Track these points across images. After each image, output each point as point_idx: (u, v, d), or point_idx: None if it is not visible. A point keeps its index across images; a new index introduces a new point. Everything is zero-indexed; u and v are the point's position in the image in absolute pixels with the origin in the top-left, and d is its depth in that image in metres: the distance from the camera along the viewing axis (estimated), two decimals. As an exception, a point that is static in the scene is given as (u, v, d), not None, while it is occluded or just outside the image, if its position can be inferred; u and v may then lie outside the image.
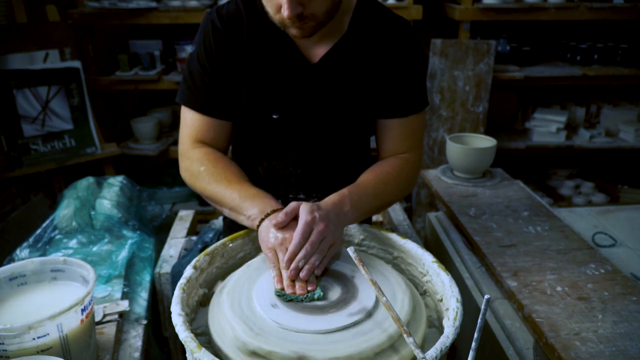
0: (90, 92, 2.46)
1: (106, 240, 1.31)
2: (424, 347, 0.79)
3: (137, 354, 0.99)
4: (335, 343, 0.73)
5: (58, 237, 1.33)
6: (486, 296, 0.64)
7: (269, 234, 0.90)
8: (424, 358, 0.66)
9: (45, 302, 0.88)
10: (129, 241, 1.29)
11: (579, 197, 2.89)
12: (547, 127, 2.75)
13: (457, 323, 0.75)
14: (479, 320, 0.65)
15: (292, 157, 1.13)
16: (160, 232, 1.57)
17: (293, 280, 0.85)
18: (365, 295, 0.82)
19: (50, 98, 2.32)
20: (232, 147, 1.22)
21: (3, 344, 0.76)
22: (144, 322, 1.09)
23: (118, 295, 1.13)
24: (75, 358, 0.84)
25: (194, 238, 1.49)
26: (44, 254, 1.25)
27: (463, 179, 1.58)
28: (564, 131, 2.76)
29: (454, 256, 1.34)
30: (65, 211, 1.38)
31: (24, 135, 2.27)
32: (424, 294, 0.94)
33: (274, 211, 0.93)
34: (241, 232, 1.01)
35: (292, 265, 0.85)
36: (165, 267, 1.33)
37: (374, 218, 1.66)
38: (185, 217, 1.66)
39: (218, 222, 1.53)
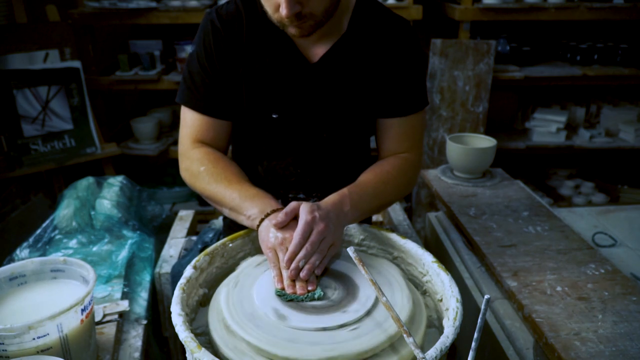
0: (90, 92, 2.46)
1: (106, 240, 1.31)
2: (423, 347, 0.79)
3: (137, 354, 0.99)
4: (336, 343, 0.73)
5: (58, 237, 1.33)
6: (486, 296, 0.64)
7: (269, 234, 0.90)
8: (423, 358, 0.66)
9: (45, 302, 0.88)
10: (129, 241, 1.29)
11: (579, 197, 2.89)
12: (547, 127, 2.75)
13: (457, 323, 0.75)
14: (479, 320, 0.65)
15: (292, 157, 1.13)
16: (160, 232, 1.57)
17: (293, 280, 0.85)
18: (365, 295, 0.82)
19: (50, 98, 2.32)
20: (232, 147, 1.22)
21: (3, 344, 0.76)
22: (144, 322, 1.09)
23: (118, 295, 1.13)
24: (75, 358, 0.84)
25: (194, 238, 1.49)
26: (44, 254, 1.25)
27: (463, 179, 1.58)
28: (564, 131, 2.76)
29: (454, 256, 1.34)
30: (65, 211, 1.38)
31: (24, 135, 2.27)
32: (424, 294, 0.94)
33: (273, 211, 0.93)
34: (241, 232, 1.01)
35: (293, 265, 0.85)
36: (165, 267, 1.33)
37: (374, 218, 1.66)
38: (185, 217, 1.66)
39: (218, 222, 1.53)
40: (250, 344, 0.73)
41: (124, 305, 1.06)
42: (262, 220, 0.93)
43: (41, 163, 2.32)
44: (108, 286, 1.16)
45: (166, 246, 1.45)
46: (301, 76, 1.07)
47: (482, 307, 0.64)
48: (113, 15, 2.47)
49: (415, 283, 0.96)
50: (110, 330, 1.01)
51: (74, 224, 1.36)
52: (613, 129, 2.86)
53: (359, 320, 0.77)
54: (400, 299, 0.82)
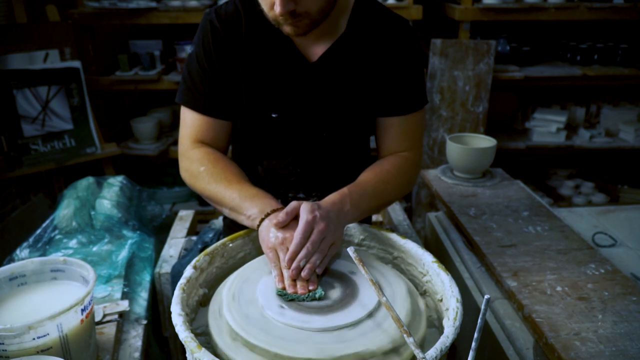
0: (90, 92, 2.46)
1: (106, 240, 1.31)
2: (424, 347, 0.79)
3: (137, 354, 0.99)
4: (336, 343, 0.73)
5: (58, 237, 1.33)
6: (486, 296, 0.64)
7: (269, 234, 0.90)
8: (424, 358, 0.66)
9: (45, 302, 0.88)
10: (129, 241, 1.29)
11: (579, 197, 2.89)
12: (547, 127, 2.75)
13: (457, 323, 0.75)
14: (479, 320, 0.65)
15: (292, 156, 1.13)
16: (160, 232, 1.57)
17: (294, 280, 0.85)
18: (366, 295, 0.82)
19: (50, 98, 2.32)
20: (232, 147, 1.23)
21: (3, 344, 0.76)
22: (144, 322, 1.09)
23: (118, 295, 1.13)
24: (75, 358, 0.84)
25: (194, 238, 1.49)
26: (44, 254, 1.25)
27: (463, 179, 1.58)
28: (564, 131, 2.76)
29: (454, 256, 1.34)
30: (65, 211, 1.38)
31: (24, 135, 2.27)
32: (424, 294, 0.94)
33: (274, 211, 0.93)
34: (241, 232, 1.01)
35: (294, 265, 0.85)
36: (165, 267, 1.33)
37: (374, 218, 1.66)
38: (185, 217, 1.66)
39: (218, 222, 1.53)
40: (250, 344, 0.73)
41: (124, 305, 1.06)
42: (262, 220, 0.93)
43: (41, 163, 2.32)
44: (108, 286, 1.16)
45: (166, 246, 1.45)
46: (300, 76, 1.07)
47: (482, 307, 0.64)
48: (113, 15, 2.47)
49: (415, 283, 0.96)
50: (110, 330, 1.01)
51: (74, 224, 1.36)
52: (613, 129, 2.86)
53: (359, 320, 0.77)
54: (400, 298, 0.82)
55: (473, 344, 0.65)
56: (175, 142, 2.65)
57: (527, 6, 2.56)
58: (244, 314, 0.79)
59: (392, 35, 1.08)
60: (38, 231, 1.33)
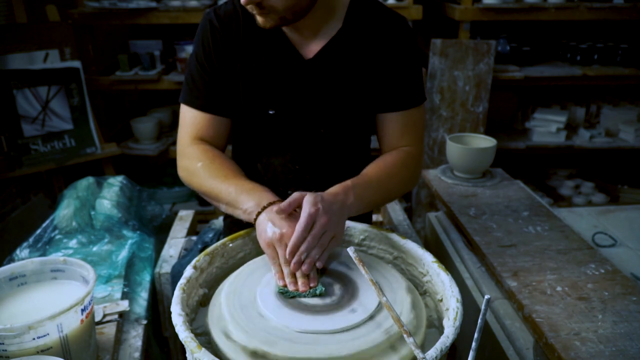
0: (90, 92, 2.46)
1: (106, 240, 1.31)
2: (424, 347, 0.79)
3: (137, 354, 0.99)
4: (336, 343, 0.73)
5: (58, 237, 1.33)
6: (486, 296, 0.64)
7: (266, 228, 0.89)
8: (424, 358, 0.66)
9: (45, 302, 0.88)
10: (129, 241, 1.29)
11: (579, 197, 2.89)
12: (547, 127, 2.75)
13: (457, 323, 0.75)
14: (479, 320, 0.65)
15: (290, 153, 1.14)
16: (160, 232, 1.57)
17: (294, 276, 0.85)
18: (366, 295, 0.82)
19: (50, 98, 2.32)
20: (232, 145, 1.23)
21: (3, 344, 0.76)
22: (144, 322, 1.09)
23: (118, 295, 1.13)
24: (75, 358, 0.84)
25: (194, 238, 1.49)
26: (44, 254, 1.25)
27: (463, 179, 1.58)
28: (564, 131, 2.76)
29: (454, 256, 1.34)
30: (65, 211, 1.38)
31: (24, 135, 2.27)
32: (424, 294, 0.94)
33: (270, 204, 0.93)
34: (241, 232, 1.01)
35: (295, 259, 0.84)
36: (165, 267, 1.32)
37: (374, 218, 1.66)
38: (185, 217, 1.66)
39: (218, 222, 1.53)
40: (250, 344, 0.73)
41: (124, 305, 1.06)
42: (259, 213, 0.92)
43: (41, 163, 2.32)
44: (108, 286, 1.16)
45: (166, 246, 1.45)
46: (296, 73, 1.08)
47: (482, 307, 0.64)
48: (113, 15, 2.47)
49: (415, 283, 0.96)
50: (110, 330, 1.01)
51: (74, 224, 1.36)
52: (613, 129, 2.86)
53: (359, 320, 0.77)
54: (401, 299, 0.82)
55: (473, 344, 0.65)
56: (175, 142, 2.65)
57: (527, 6, 2.56)
58: (244, 314, 0.79)
59: (389, 32, 1.09)
60: (38, 231, 1.33)
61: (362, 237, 1.05)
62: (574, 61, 2.84)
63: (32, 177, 2.42)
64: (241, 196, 0.97)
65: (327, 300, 0.82)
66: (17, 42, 2.22)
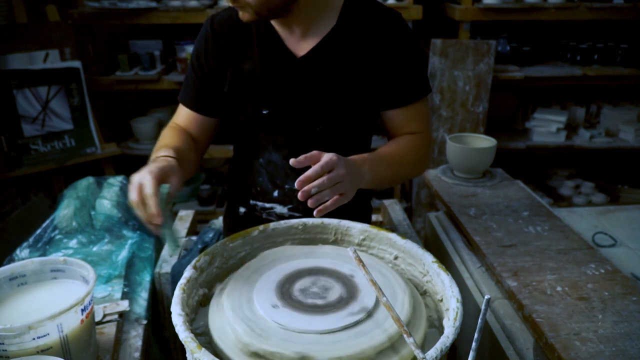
0: (90, 92, 2.46)
1: (106, 240, 1.31)
2: (424, 347, 0.79)
3: (137, 354, 0.99)
4: (336, 343, 0.73)
5: (58, 237, 1.33)
6: (486, 296, 0.64)
7: (140, 172, 0.92)
8: (424, 358, 0.66)
9: (45, 302, 0.88)
10: (129, 241, 1.29)
11: (579, 197, 2.89)
12: (547, 127, 2.75)
13: (458, 323, 0.75)
14: (479, 320, 0.65)
15: (288, 150, 1.15)
16: (160, 232, 1.57)
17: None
18: (366, 295, 0.82)
19: (50, 98, 2.32)
20: (234, 141, 1.28)
21: (3, 344, 0.76)
22: (144, 322, 1.09)
23: (118, 295, 1.13)
24: (75, 358, 0.84)
25: (194, 238, 1.49)
26: (44, 254, 1.25)
27: (463, 179, 1.58)
28: (564, 131, 2.76)
29: (454, 256, 1.34)
30: (65, 211, 1.38)
31: (24, 135, 2.27)
32: (424, 294, 0.94)
33: (160, 157, 1.00)
34: (241, 232, 1.01)
35: (305, 188, 0.87)
36: (165, 267, 1.32)
37: (374, 218, 1.66)
38: (185, 217, 1.65)
39: (218, 222, 1.53)
40: (250, 344, 0.73)
41: (124, 305, 1.06)
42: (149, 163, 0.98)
43: (41, 163, 2.32)
44: (108, 286, 1.16)
45: (166, 246, 1.45)
46: (287, 72, 1.10)
47: (483, 307, 0.64)
48: (113, 15, 2.47)
49: (415, 283, 0.96)
50: (110, 330, 1.01)
51: (74, 224, 1.36)
52: (613, 129, 2.86)
53: (359, 320, 0.77)
54: (401, 299, 0.82)
55: (473, 344, 0.65)
56: (175, 142, 2.65)
57: (527, 6, 2.56)
58: (244, 314, 0.79)
59: (386, 28, 1.10)
60: (38, 231, 1.33)
61: (362, 237, 1.05)
62: (574, 61, 2.84)
63: (32, 177, 2.42)
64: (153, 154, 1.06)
65: (328, 301, 0.82)
66: (17, 42, 2.23)
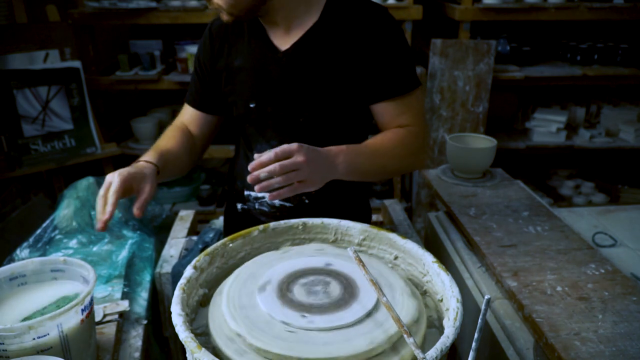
0: (90, 92, 2.46)
1: (106, 240, 1.31)
2: (424, 347, 0.79)
3: (137, 354, 0.99)
4: (336, 343, 0.73)
5: (58, 237, 1.33)
6: (486, 296, 0.64)
7: (113, 172, 0.98)
8: (424, 358, 0.66)
9: (45, 302, 0.88)
10: (129, 241, 1.29)
11: (579, 197, 2.89)
12: (547, 127, 2.75)
13: (458, 323, 0.75)
14: (479, 320, 0.65)
15: (277, 142, 1.16)
16: (160, 232, 1.57)
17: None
18: (366, 295, 0.82)
19: (50, 98, 2.32)
20: (235, 140, 1.33)
21: (3, 344, 0.76)
22: (144, 322, 1.09)
23: (118, 295, 1.13)
24: (75, 358, 0.84)
25: (195, 238, 1.49)
26: (44, 254, 1.25)
27: (463, 179, 1.58)
28: (564, 131, 2.76)
29: (454, 256, 1.34)
30: (65, 211, 1.38)
31: (24, 135, 2.27)
32: (424, 294, 0.94)
33: (140, 161, 1.05)
34: (241, 232, 1.01)
35: (254, 174, 0.89)
36: (165, 267, 1.33)
37: (374, 218, 1.66)
38: (185, 217, 1.66)
39: (218, 222, 1.53)
40: (250, 344, 0.73)
41: (124, 305, 1.06)
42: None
43: (41, 163, 2.32)
44: (108, 286, 1.16)
45: (167, 246, 1.45)
46: (271, 66, 1.13)
47: (483, 307, 0.64)
48: (113, 15, 2.47)
49: (415, 283, 0.96)
50: (110, 330, 1.01)
51: (74, 224, 1.36)
52: (613, 129, 2.86)
53: (358, 320, 0.77)
54: (401, 299, 0.82)
55: (473, 344, 0.65)
56: (175, 142, 2.65)
57: (527, 6, 2.56)
58: (244, 314, 0.79)
59: (369, 22, 1.11)
60: (38, 231, 1.33)
61: (362, 237, 1.05)
62: (574, 61, 2.84)
63: (32, 177, 2.42)
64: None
65: (328, 300, 0.82)
66: (17, 42, 2.23)
